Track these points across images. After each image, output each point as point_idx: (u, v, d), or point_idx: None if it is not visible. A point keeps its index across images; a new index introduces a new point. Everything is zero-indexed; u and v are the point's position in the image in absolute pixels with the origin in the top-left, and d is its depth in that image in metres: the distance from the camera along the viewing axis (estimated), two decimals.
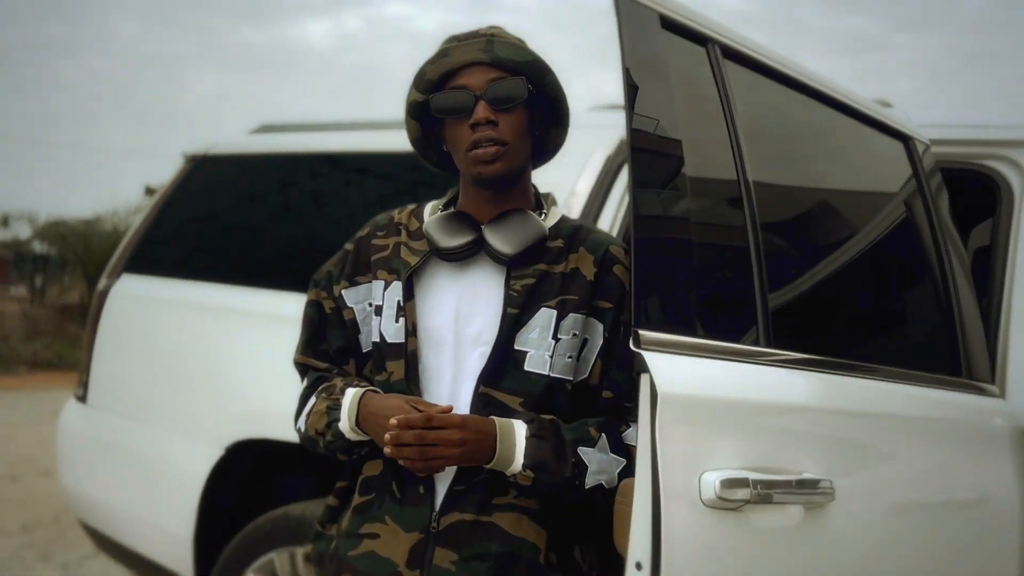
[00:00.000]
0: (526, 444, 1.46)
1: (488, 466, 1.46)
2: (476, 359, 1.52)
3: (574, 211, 2.54)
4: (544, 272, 1.53)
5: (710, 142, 1.54)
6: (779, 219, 1.66)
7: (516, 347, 1.50)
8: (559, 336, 1.51)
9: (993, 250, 2.13)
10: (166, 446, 3.06)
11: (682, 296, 1.35)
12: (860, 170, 2.00)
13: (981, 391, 1.94)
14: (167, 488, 3.01)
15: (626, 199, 2.59)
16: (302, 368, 1.69)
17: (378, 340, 1.57)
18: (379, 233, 1.65)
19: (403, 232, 1.62)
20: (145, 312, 3.35)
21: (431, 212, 1.65)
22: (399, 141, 3.17)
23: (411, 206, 1.69)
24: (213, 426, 2.92)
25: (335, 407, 1.53)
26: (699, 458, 1.26)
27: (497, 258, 1.53)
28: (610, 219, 2.55)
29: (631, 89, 1.38)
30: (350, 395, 1.53)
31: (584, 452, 1.48)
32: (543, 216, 1.60)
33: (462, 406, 1.51)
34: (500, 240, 1.52)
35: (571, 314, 1.52)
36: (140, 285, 3.38)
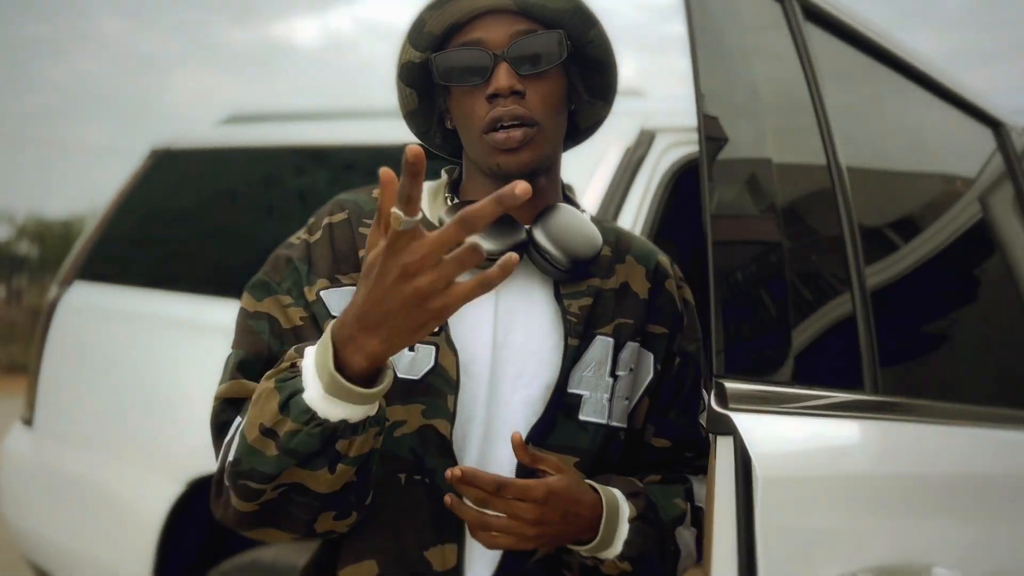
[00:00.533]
0: (629, 529, 1.11)
1: (580, 549, 1.10)
2: (517, 405, 1.14)
3: None
4: (598, 289, 1.18)
5: (795, 124, 1.18)
6: (877, 222, 1.31)
7: (570, 389, 1.14)
8: (617, 373, 1.17)
9: None
10: (121, 479, 2.71)
11: (778, 329, 0.98)
12: (956, 160, 1.65)
13: None
14: (122, 527, 2.67)
15: (646, 202, 2.25)
16: (227, 407, 1.10)
17: None
18: (367, 220, 1.19)
19: None
20: (99, 325, 2.99)
21: (433, 199, 1.24)
22: (385, 133, 2.89)
23: None
24: (174, 457, 2.57)
25: (291, 375, 0.97)
26: (813, 561, 0.91)
27: (550, 269, 1.15)
28: (627, 227, 2.19)
29: (699, 58, 1.02)
30: (313, 348, 0.97)
31: (679, 534, 1.15)
32: (583, 213, 1.24)
33: (499, 468, 1.11)
34: (555, 245, 1.14)
35: (628, 343, 1.18)
36: (94, 294, 3.03)
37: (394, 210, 0.85)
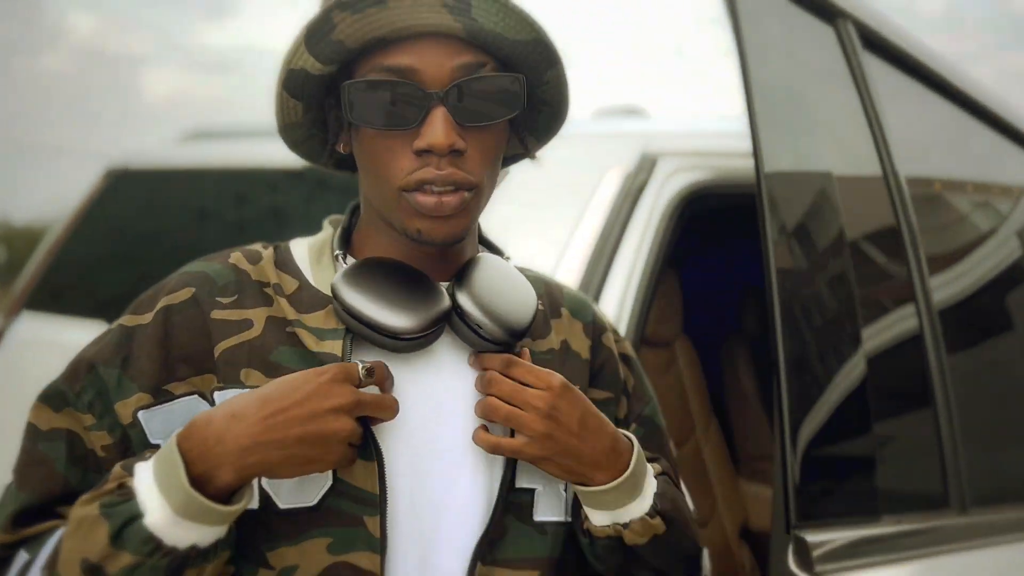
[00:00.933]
0: (658, 481, 0.96)
1: (606, 486, 0.90)
2: (453, 515, 0.90)
3: (575, 264, 1.97)
4: (534, 355, 0.96)
5: (856, 163, 0.99)
6: (956, 289, 1.11)
7: (518, 484, 0.93)
8: None
9: None
10: None
11: (864, 441, 0.78)
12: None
13: None
14: None
15: (648, 235, 2.03)
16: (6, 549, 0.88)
17: (255, 506, 0.86)
18: (222, 299, 0.92)
19: (279, 298, 0.93)
20: (52, 361, 2.75)
21: (317, 260, 0.97)
22: None
23: (259, 249, 0.98)
24: None
25: (121, 498, 0.79)
26: None
27: (480, 343, 0.92)
28: (625, 275, 1.97)
29: (753, 85, 0.83)
30: (148, 464, 0.81)
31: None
32: (507, 260, 1.02)
33: None
34: (485, 312, 0.90)
35: None
36: (47, 327, 2.79)
37: (364, 364, 0.84)
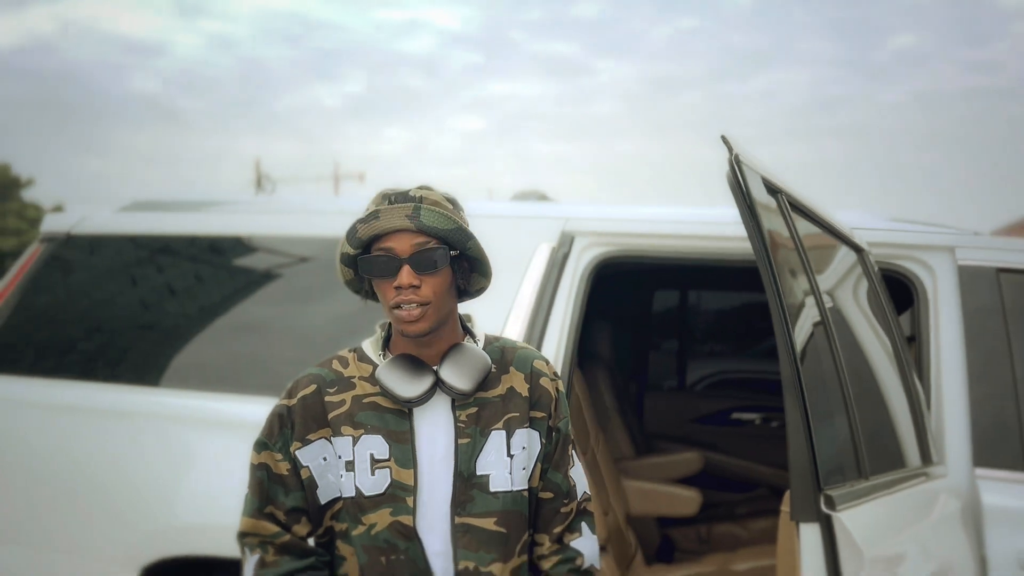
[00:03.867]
0: None
1: None
2: (443, 489, 1.65)
3: (519, 321, 2.61)
4: (484, 399, 1.69)
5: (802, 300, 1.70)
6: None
7: (479, 472, 1.66)
8: (512, 453, 1.69)
9: (919, 344, 2.46)
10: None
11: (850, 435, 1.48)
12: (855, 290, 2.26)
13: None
14: None
15: (572, 292, 2.67)
16: (245, 537, 1.69)
17: (353, 495, 1.65)
18: (330, 390, 1.71)
19: (361, 382, 1.69)
20: (7, 417, 2.94)
21: (375, 352, 1.73)
22: (294, 224, 3.07)
23: (346, 353, 1.75)
24: (116, 549, 2.64)
25: None
26: None
27: (456, 395, 1.65)
28: (559, 326, 2.61)
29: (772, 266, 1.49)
30: None
31: None
32: (478, 343, 1.74)
33: (444, 538, 1.64)
34: (457, 378, 1.65)
35: (517, 430, 1.69)
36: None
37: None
